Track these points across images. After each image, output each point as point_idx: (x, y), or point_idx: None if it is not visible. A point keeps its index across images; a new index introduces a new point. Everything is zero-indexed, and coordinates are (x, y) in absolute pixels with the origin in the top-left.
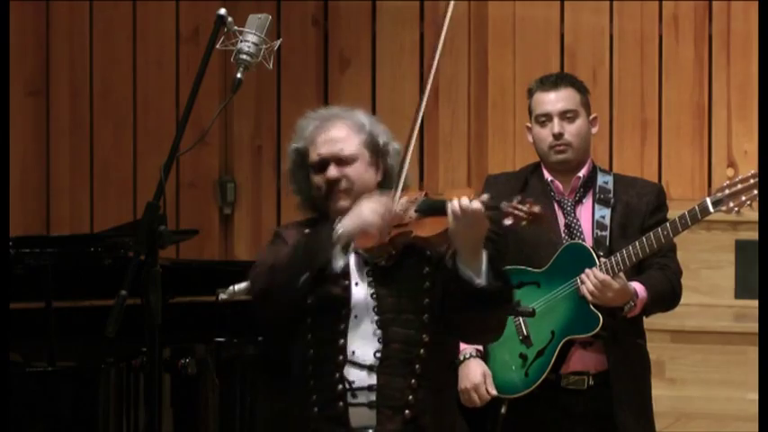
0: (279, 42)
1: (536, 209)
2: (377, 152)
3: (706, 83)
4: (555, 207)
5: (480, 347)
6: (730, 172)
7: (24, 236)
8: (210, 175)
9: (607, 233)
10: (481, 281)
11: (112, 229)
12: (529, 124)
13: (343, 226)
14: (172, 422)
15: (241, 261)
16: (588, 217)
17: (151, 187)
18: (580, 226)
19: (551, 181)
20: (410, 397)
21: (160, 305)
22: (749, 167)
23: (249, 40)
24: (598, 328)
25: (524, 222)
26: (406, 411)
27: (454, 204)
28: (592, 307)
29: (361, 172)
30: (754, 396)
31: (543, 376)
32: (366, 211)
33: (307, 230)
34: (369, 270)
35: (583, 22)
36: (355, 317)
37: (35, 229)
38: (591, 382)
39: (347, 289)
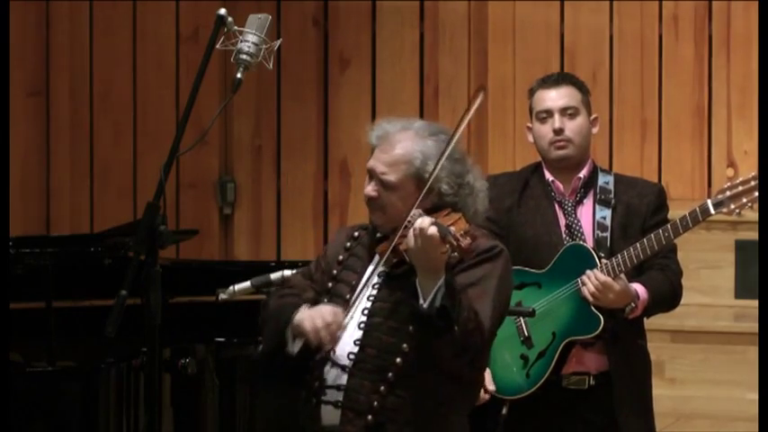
0: (279, 42)
1: (464, 243)
2: (422, 184)
3: (706, 83)
4: (555, 207)
5: None
6: (730, 172)
7: (24, 236)
8: (210, 175)
9: (608, 234)
10: (424, 303)
11: (112, 229)
12: (529, 124)
13: (297, 323)
14: (172, 422)
15: (241, 261)
16: (589, 217)
17: (151, 187)
18: (581, 227)
19: (552, 181)
20: (375, 403)
21: (160, 305)
22: (749, 167)
23: (249, 40)
24: (599, 330)
25: (453, 253)
26: (369, 417)
27: (415, 225)
28: (593, 308)
29: (396, 200)
30: (754, 396)
31: (544, 377)
32: (318, 322)
33: (350, 241)
34: (384, 274)
35: (583, 22)
36: (351, 317)
37: (35, 229)
38: (592, 383)
39: (353, 290)
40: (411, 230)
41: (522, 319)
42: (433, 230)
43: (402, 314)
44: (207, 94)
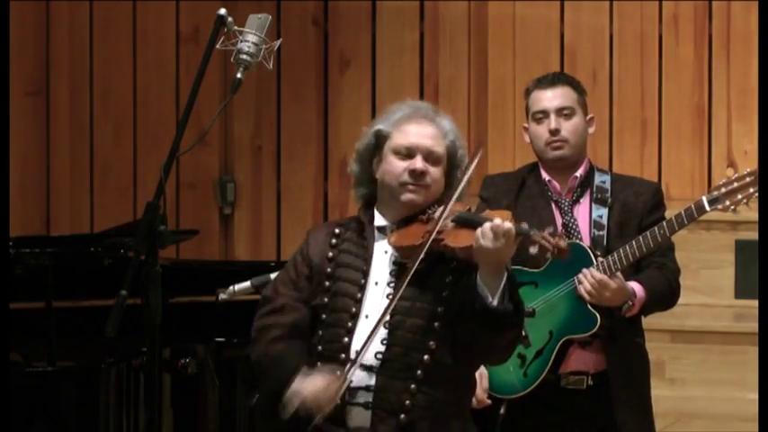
0: (279, 42)
1: (563, 243)
2: (452, 162)
3: (706, 83)
4: (552, 207)
5: None
6: (730, 172)
7: (24, 236)
8: (210, 175)
9: (604, 232)
10: (494, 301)
11: (112, 229)
12: (526, 124)
13: (289, 394)
14: (172, 422)
15: (241, 261)
16: (585, 216)
17: (151, 187)
18: (577, 226)
19: (549, 181)
20: (407, 402)
21: (160, 305)
22: (749, 167)
23: (249, 40)
24: (596, 328)
25: (549, 255)
26: (402, 416)
27: (486, 224)
28: (589, 307)
29: (440, 176)
30: (755, 396)
31: (542, 376)
32: (310, 393)
33: (335, 238)
34: (394, 270)
35: (583, 22)
36: (366, 316)
37: (35, 229)
38: (590, 382)
39: (363, 288)
40: (483, 230)
41: None
42: (508, 229)
43: (426, 311)
44: (207, 94)
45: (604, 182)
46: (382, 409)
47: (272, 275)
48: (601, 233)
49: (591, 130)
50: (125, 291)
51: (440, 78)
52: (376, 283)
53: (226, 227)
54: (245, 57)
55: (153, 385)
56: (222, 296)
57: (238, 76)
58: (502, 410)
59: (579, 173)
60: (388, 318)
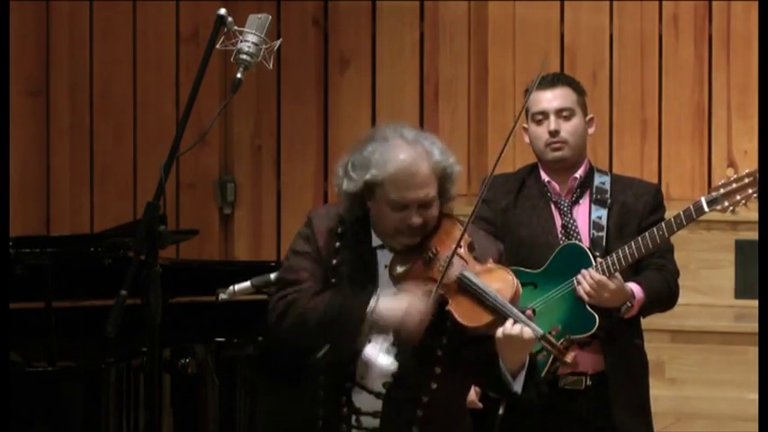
0: (279, 42)
1: (568, 359)
2: (445, 181)
3: (706, 83)
4: (552, 208)
5: None
6: (730, 172)
7: (24, 236)
8: (210, 175)
9: (604, 233)
10: (517, 389)
11: (112, 229)
12: (525, 125)
13: (380, 316)
14: (172, 422)
15: (241, 261)
16: (585, 217)
17: (151, 187)
18: (577, 226)
19: (548, 182)
20: (414, 428)
21: (160, 305)
22: (749, 167)
23: (249, 40)
24: (594, 329)
25: (556, 363)
26: None
27: (512, 328)
28: (588, 307)
29: (435, 210)
30: (755, 396)
31: (541, 377)
32: (410, 313)
33: (338, 240)
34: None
35: (583, 22)
36: (369, 341)
37: (35, 229)
38: (589, 383)
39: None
40: (507, 332)
41: None
42: (528, 335)
43: (429, 339)
44: (207, 94)
45: (604, 183)
46: None
47: (272, 276)
48: (600, 234)
49: (591, 130)
50: (125, 291)
51: (440, 78)
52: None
53: (226, 227)
54: (245, 57)
55: (153, 385)
56: (222, 296)
57: (238, 76)
58: (501, 411)
59: (579, 174)
60: (392, 348)
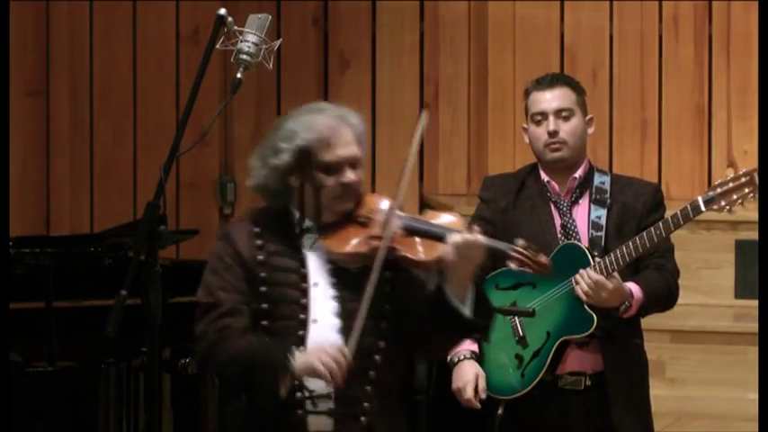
0: (279, 42)
1: (543, 259)
2: (361, 147)
3: (706, 83)
4: (551, 208)
5: (475, 348)
6: (730, 172)
7: (24, 236)
8: (210, 175)
9: (602, 233)
10: (467, 312)
11: (112, 229)
12: (525, 125)
13: (300, 367)
14: (172, 422)
15: None
16: (584, 217)
17: (151, 187)
18: (576, 226)
19: (548, 182)
20: (366, 404)
21: (160, 305)
22: (749, 167)
23: (249, 40)
24: (592, 329)
25: (530, 270)
26: (362, 418)
27: (458, 237)
28: (586, 307)
29: (362, 174)
30: (755, 396)
31: (539, 377)
32: (325, 359)
33: (257, 239)
34: (332, 269)
35: (583, 22)
36: (314, 321)
37: (35, 229)
38: (588, 383)
39: (305, 292)
40: (454, 246)
41: (516, 318)
42: (481, 241)
43: (375, 312)
44: (207, 94)
45: (604, 183)
46: (345, 415)
47: None
48: (599, 234)
49: (590, 130)
50: (125, 291)
51: (440, 78)
52: (316, 285)
53: None
54: (245, 57)
55: (153, 385)
56: None
57: (238, 76)
58: (500, 411)
59: (578, 174)
60: (338, 322)
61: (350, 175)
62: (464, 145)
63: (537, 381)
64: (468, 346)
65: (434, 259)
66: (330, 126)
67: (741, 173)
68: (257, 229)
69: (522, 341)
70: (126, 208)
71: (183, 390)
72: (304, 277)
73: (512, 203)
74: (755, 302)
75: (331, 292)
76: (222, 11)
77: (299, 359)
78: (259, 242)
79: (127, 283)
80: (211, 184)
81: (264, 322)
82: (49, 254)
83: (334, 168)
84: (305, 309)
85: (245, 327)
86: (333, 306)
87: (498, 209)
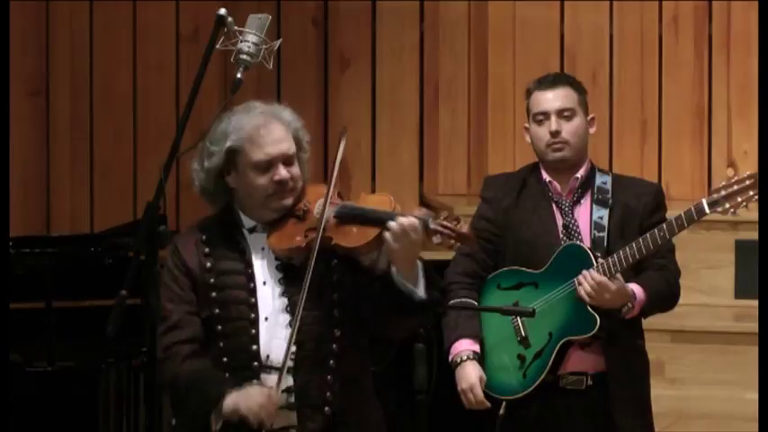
0: (279, 42)
1: (463, 229)
2: (299, 148)
3: (706, 83)
4: (553, 207)
5: (477, 349)
6: (730, 172)
7: (24, 236)
8: None
9: (605, 234)
10: (421, 294)
11: (112, 229)
12: (527, 125)
13: (227, 409)
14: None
15: None
16: (586, 218)
17: (151, 187)
18: (578, 227)
19: (549, 182)
20: (328, 394)
21: (160, 305)
22: (749, 167)
23: (249, 40)
24: (595, 330)
25: (452, 241)
26: (326, 408)
27: (396, 223)
28: (589, 308)
29: (298, 170)
30: (754, 396)
31: (541, 377)
32: (254, 406)
33: (205, 246)
34: (279, 266)
35: (583, 22)
36: (266, 318)
37: (35, 229)
38: (589, 383)
39: (253, 292)
40: (394, 229)
41: (519, 319)
42: (418, 225)
43: (324, 301)
44: (207, 94)
45: (605, 183)
46: (307, 407)
47: None
48: (601, 234)
49: (592, 130)
50: (125, 291)
51: (440, 78)
52: (264, 283)
53: None
54: (245, 57)
55: (153, 385)
56: None
57: (238, 76)
58: (501, 411)
59: (580, 174)
60: (288, 317)
61: (282, 172)
62: (464, 145)
63: (539, 381)
64: (470, 346)
65: (367, 243)
66: (258, 125)
67: (745, 175)
68: (204, 237)
69: (524, 341)
70: (126, 208)
71: None
72: (251, 277)
73: (513, 203)
74: (755, 302)
75: (279, 288)
76: (222, 11)
77: (229, 400)
78: (206, 249)
79: (127, 283)
80: None
81: (219, 327)
82: (49, 254)
83: (265, 166)
84: (254, 307)
85: (194, 336)
86: (281, 302)
87: (500, 208)
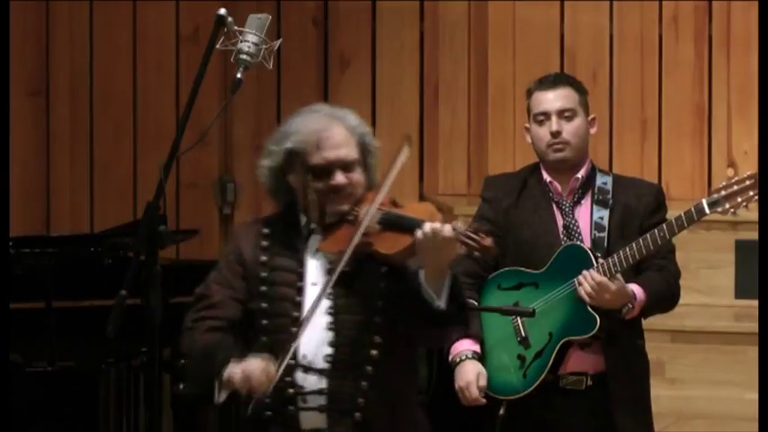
0: (279, 42)
1: (487, 242)
2: (366, 153)
3: (706, 83)
4: (553, 208)
5: (477, 349)
6: (730, 172)
7: (24, 236)
8: (210, 175)
9: (605, 234)
10: (440, 303)
11: (112, 229)
12: (527, 125)
13: (230, 378)
14: (172, 422)
15: None
16: (586, 218)
17: (151, 187)
18: (578, 227)
19: (550, 182)
20: (360, 400)
21: (160, 305)
22: (749, 167)
23: (249, 40)
24: (595, 330)
25: (476, 253)
26: (357, 414)
27: (426, 228)
28: (589, 308)
29: (360, 176)
30: (754, 396)
31: (541, 377)
32: (255, 375)
33: (264, 240)
34: (329, 268)
35: (583, 22)
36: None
37: (35, 229)
38: (589, 383)
39: (301, 291)
40: (423, 234)
41: (519, 319)
42: (448, 232)
43: (366, 307)
44: (207, 94)
45: (606, 183)
46: (336, 411)
47: None
48: (602, 235)
49: (593, 130)
50: (125, 291)
51: (440, 78)
52: (313, 284)
53: (226, 227)
54: (245, 57)
55: (153, 385)
56: None
57: (238, 76)
58: (502, 411)
59: (581, 174)
60: (330, 319)
61: (339, 178)
62: (464, 145)
63: (539, 381)
64: (470, 345)
65: (401, 251)
66: (318, 129)
67: (745, 175)
68: (266, 231)
69: (524, 342)
70: (126, 208)
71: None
72: (301, 276)
73: (514, 203)
74: (755, 302)
75: (328, 290)
76: (222, 11)
77: (229, 369)
78: (265, 243)
79: (127, 283)
80: (211, 184)
81: (263, 321)
82: (49, 254)
83: (323, 171)
84: (298, 306)
85: (230, 318)
86: (325, 304)
87: (501, 208)
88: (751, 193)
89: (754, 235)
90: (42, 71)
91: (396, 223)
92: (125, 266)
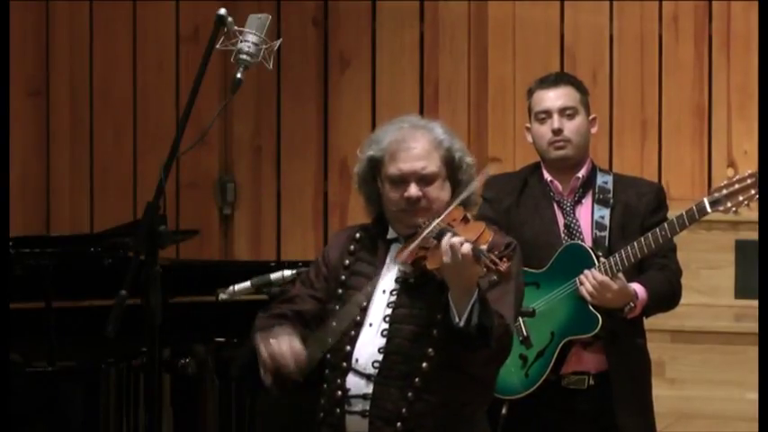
0: (279, 42)
1: (503, 268)
2: (452, 168)
3: (706, 83)
4: (554, 207)
5: None
6: (730, 172)
7: (24, 236)
8: (210, 175)
9: (606, 233)
10: (459, 322)
11: (112, 229)
12: (528, 125)
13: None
14: (172, 422)
15: (241, 261)
16: (587, 217)
17: (151, 187)
18: (579, 226)
19: (551, 181)
20: (404, 410)
21: (160, 305)
22: (749, 167)
23: (249, 40)
24: (597, 329)
25: (494, 276)
26: (398, 424)
27: (443, 243)
28: (591, 308)
29: (439, 191)
30: (754, 396)
31: (543, 377)
32: (266, 347)
33: (353, 244)
34: (398, 278)
35: (583, 22)
36: (370, 324)
37: (35, 229)
38: (591, 382)
39: (370, 297)
40: (443, 248)
41: (520, 319)
42: (466, 250)
43: (425, 319)
44: (207, 94)
45: (606, 182)
46: (379, 418)
47: (272, 276)
48: (603, 234)
49: (593, 130)
50: (125, 291)
51: (440, 78)
52: (383, 292)
53: (226, 227)
54: (245, 57)
55: (153, 385)
56: (222, 296)
57: (238, 76)
58: (504, 411)
59: (581, 173)
60: (386, 326)
61: (412, 190)
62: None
63: (541, 381)
64: None
65: (440, 267)
66: (398, 139)
67: (746, 174)
68: (359, 234)
69: (526, 341)
70: (126, 208)
71: (183, 390)
72: (374, 284)
73: (515, 203)
74: (755, 302)
75: (392, 299)
76: (222, 11)
77: (262, 344)
78: (353, 247)
79: (127, 283)
80: (211, 184)
81: (334, 323)
82: (49, 254)
83: (398, 181)
84: (364, 312)
85: (298, 311)
86: (387, 312)
87: (502, 208)
88: (752, 192)
89: (754, 235)
90: (42, 71)
91: (439, 239)
92: (125, 266)
